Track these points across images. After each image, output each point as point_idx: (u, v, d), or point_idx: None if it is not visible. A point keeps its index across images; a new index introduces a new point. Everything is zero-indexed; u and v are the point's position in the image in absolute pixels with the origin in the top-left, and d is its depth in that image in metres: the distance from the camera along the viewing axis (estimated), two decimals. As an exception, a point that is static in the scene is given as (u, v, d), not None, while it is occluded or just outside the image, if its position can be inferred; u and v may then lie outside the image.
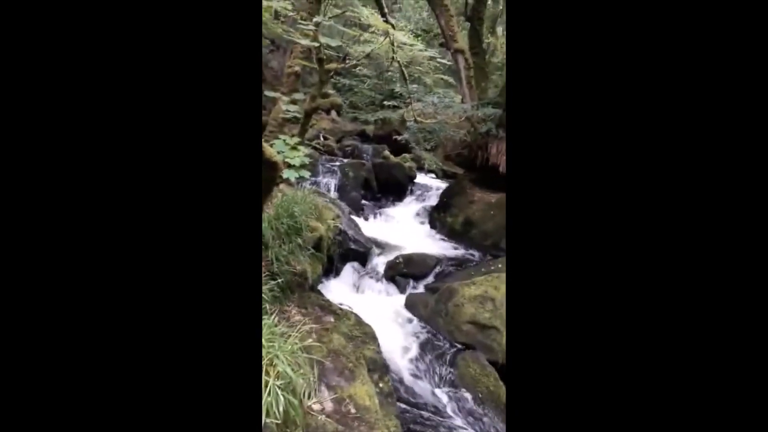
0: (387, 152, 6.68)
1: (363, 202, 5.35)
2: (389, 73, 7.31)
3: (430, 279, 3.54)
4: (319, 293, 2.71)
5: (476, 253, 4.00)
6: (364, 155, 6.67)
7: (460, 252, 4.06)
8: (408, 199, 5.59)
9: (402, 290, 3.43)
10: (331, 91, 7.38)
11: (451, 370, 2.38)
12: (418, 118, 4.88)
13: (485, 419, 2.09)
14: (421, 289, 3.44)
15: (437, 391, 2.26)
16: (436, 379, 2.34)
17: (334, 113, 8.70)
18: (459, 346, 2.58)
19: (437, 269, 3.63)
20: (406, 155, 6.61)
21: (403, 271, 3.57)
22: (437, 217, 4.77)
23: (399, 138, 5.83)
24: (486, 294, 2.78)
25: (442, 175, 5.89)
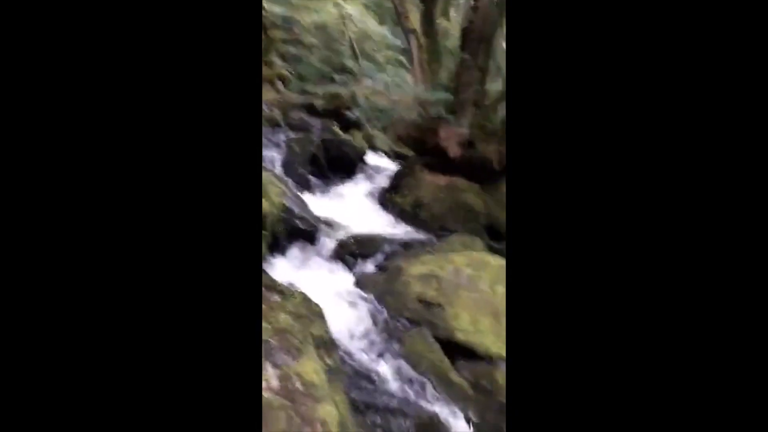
0: (337, 128, 6.49)
1: (311, 179, 5.16)
2: (340, 47, 7.02)
3: (379, 258, 3.56)
4: (264, 272, 2.58)
5: (425, 234, 4.10)
6: (313, 130, 6.40)
7: (410, 232, 4.14)
8: (358, 178, 5.51)
9: (351, 269, 3.41)
10: (276, 60, 6.91)
11: (398, 346, 2.43)
12: (370, 96, 4.78)
13: (429, 391, 2.18)
14: (370, 268, 3.45)
15: (384, 366, 2.31)
16: (384, 354, 2.38)
17: (280, 84, 8.19)
18: (406, 323, 2.64)
19: (387, 249, 3.66)
20: (357, 132, 6.48)
21: (353, 250, 3.54)
22: (388, 198, 4.78)
23: (349, 115, 5.68)
24: (432, 273, 2.86)
25: (394, 156, 5.90)
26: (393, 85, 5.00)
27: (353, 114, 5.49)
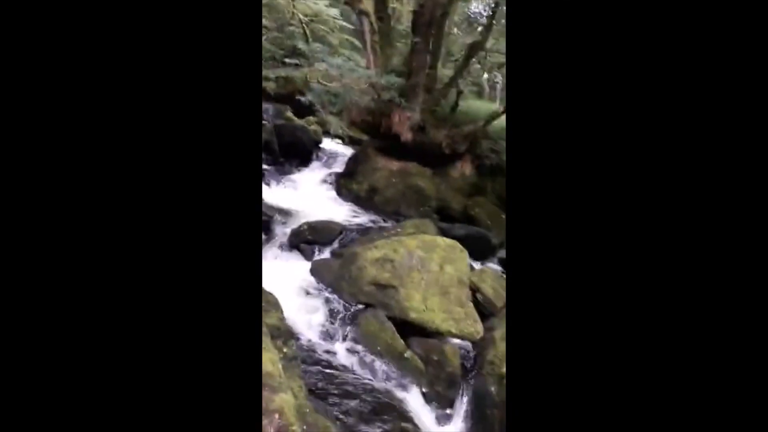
0: (290, 113, 6.30)
1: (264, 166, 5.03)
2: (291, 28, 6.72)
3: (335, 245, 3.60)
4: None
5: (379, 219, 4.19)
6: (265, 115, 6.18)
7: (365, 218, 4.20)
8: (314, 165, 5.45)
9: (307, 257, 3.42)
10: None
11: (353, 328, 2.53)
12: (322, 80, 4.69)
13: (383, 369, 2.31)
14: (326, 255, 3.49)
15: (340, 349, 2.40)
16: (339, 338, 2.47)
17: (227, 66, 7.69)
18: (361, 306, 2.74)
19: (342, 235, 3.71)
20: (311, 118, 6.34)
21: (308, 238, 3.55)
22: (343, 184, 4.79)
23: (302, 99, 5.54)
24: (386, 257, 2.97)
25: (348, 141, 5.87)
26: (346, 69, 4.93)
27: (307, 98, 5.36)
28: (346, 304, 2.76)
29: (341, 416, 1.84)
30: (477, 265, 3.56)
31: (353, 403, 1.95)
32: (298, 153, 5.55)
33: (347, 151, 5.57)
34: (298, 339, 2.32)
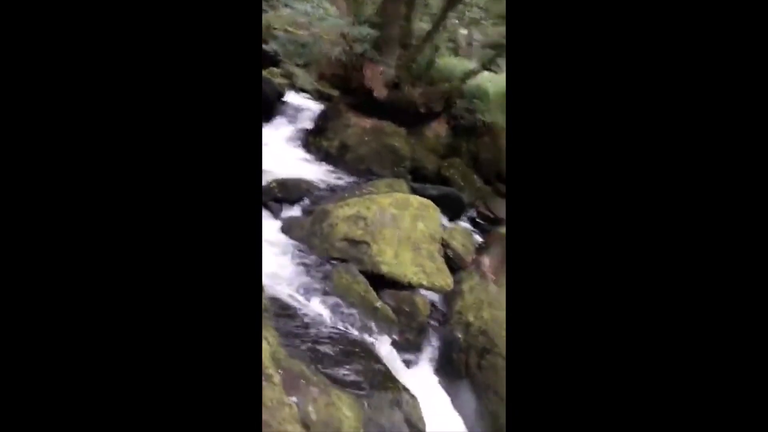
0: (253, 64, 5.82)
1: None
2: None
3: (305, 203, 3.52)
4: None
5: (351, 177, 4.11)
6: (225, 65, 5.66)
7: (336, 176, 4.11)
8: (278, 120, 5.15)
9: (276, 215, 3.33)
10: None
11: (326, 282, 2.54)
12: (289, 28, 4.33)
13: (356, 319, 2.36)
14: (296, 213, 3.41)
15: (313, 302, 2.41)
16: (312, 291, 2.47)
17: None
18: (333, 261, 2.73)
19: (313, 193, 3.62)
20: (275, 69, 5.92)
21: (277, 195, 3.43)
22: (312, 141, 4.61)
23: (266, 48, 5.12)
24: (359, 214, 2.94)
25: (317, 96, 5.58)
26: (315, 17, 4.57)
27: (271, 47, 4.95)
28: (318, 260, 2.74)
29: (315, 361, 1.87)
30: (448, 224, 3.63)
31: (327, 349, 1.99)
32: (262, 107, 5.21)
33: (315, 107, 5.30)
34: (271, 295, 2.29)
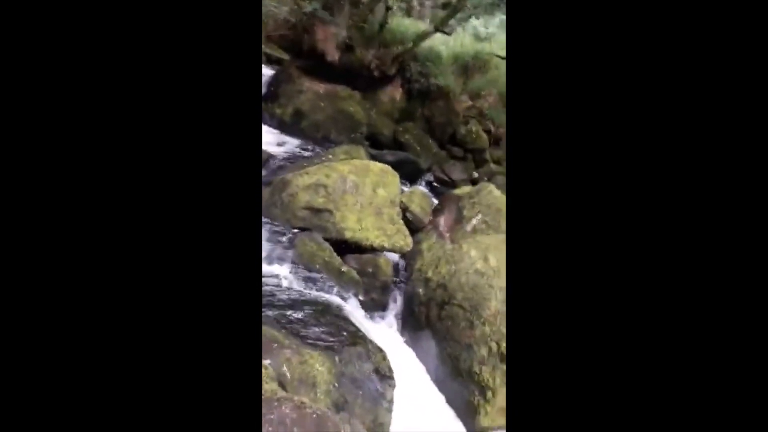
0: (191, 23, 5.31)
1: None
2: None
3: (263, 173, 3.44)
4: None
5: (308, 145, 4.04)
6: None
7: (292, 144, 4.02)
8: (227, 86, 4.84)
9: (232, 187, 3.23)
10: None
11: (290, 251, 2.58)
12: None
13: (322, 283, 2.46)
14: (253, 183, 3.33)
15: (279, 269, 2.46)
16: (276, 260, 2.51)
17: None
18: (296, 230, 2.76)
19: (270, 163, 3.53)
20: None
21: (232, 166, 3.31)
22: (265, 108, 4.41)
23: (205, 5, 4.67)
24: (319, 182, 2.95)
25: (266, 59, 5.25)
26: (256, -31, 4.20)
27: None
28: (281, 229, 2.76)
29: (287, 325, 1.96)
30: (406, 188, 3.75)
31: (296, 314, 2.08)
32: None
33: (265, 71, 5.01)
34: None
